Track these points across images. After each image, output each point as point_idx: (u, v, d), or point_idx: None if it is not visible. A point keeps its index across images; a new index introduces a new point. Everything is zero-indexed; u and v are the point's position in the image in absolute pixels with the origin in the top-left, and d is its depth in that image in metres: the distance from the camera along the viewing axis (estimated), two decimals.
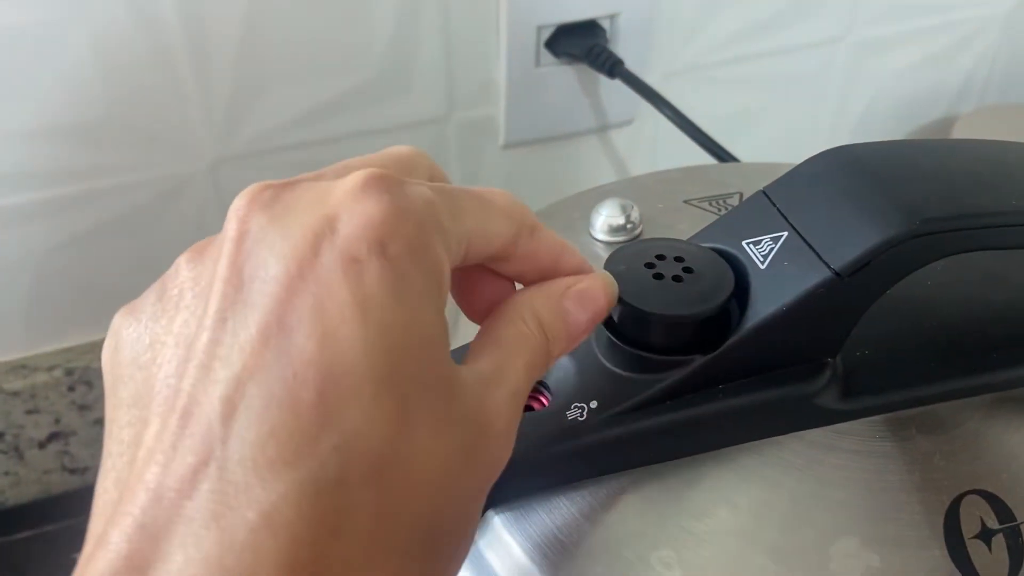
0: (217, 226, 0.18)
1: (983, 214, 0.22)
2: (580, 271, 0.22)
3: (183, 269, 0.18)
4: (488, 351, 0.20)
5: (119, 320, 0.19)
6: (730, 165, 0.43)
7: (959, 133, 0.63)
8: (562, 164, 0.57)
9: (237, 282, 0.17)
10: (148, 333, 0.18)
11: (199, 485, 0.15)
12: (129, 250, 0.47)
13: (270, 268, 0.17)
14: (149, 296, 0.19)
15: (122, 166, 0.45)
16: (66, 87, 0.42)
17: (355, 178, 0.18)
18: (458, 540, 0.18)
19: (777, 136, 0.63)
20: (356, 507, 0.16)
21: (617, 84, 0.51)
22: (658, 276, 0.23)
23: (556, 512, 0.23)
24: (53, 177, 0.44)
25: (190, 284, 0.18)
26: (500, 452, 0.19)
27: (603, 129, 0.57)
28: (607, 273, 0.22)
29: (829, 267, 0.22)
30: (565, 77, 0.52)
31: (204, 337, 0.17)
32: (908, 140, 0.25)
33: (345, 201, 0.17)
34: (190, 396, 0.16)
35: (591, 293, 0.21)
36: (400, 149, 0.21)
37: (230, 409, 0.16)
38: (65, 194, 0.44)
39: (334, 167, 0.20)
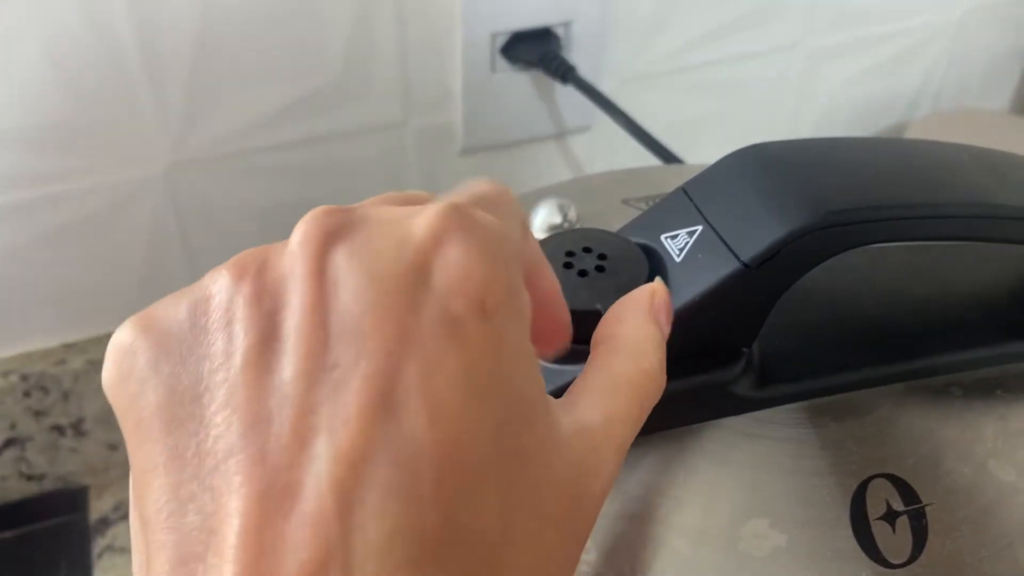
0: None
1: (886, 207, 0.23)
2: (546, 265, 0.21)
3: (230, 288, 0.15)
4: (599, 396, 0.18)
5: (132, 339, 0.16)
6: (672, 167, 0.44)
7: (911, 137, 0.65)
8: (521, 169, 0.58)
9: (323, 335, 0.14)
10: (187, 366, 0.15)
11: None
12: (85, 255, 0.48)
13: (364, 325, 0.15)
14: (174, 311, 0.16)
15: (76, 171, 0.45)
16: (19, 92, 0.42)
17: (435, 215, 0.16)
18: None
19: (733, 142, 0.63)
20: None
21: (574, 91, 0.52)
22: (579, 272, 0.24)
23: None
24: (7, 182, 0.44)
25: (246, 312, 0.15)
26: (600, 501, 0.17)
27: (561, 135, 0.57)
28: (661, 282, 0.22)
29: (739, 259, 0.23)
30: (521, 83, 0.53)
31: (289, 396, 0.14)
32: (821, 138, 0.26)
33: (432, 246, 0.16)
34: (285, 471, 0.14)
35: (669, 302, 0.21)
36: (483, 186, 0.19)
37: (344, 496, 0.13)
38: (19, 199, 0.45)
39: (399, 195, 0.19)
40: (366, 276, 0.15)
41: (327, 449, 0.14)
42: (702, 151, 0.61)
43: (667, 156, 0.48)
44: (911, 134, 0.65)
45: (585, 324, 0.24)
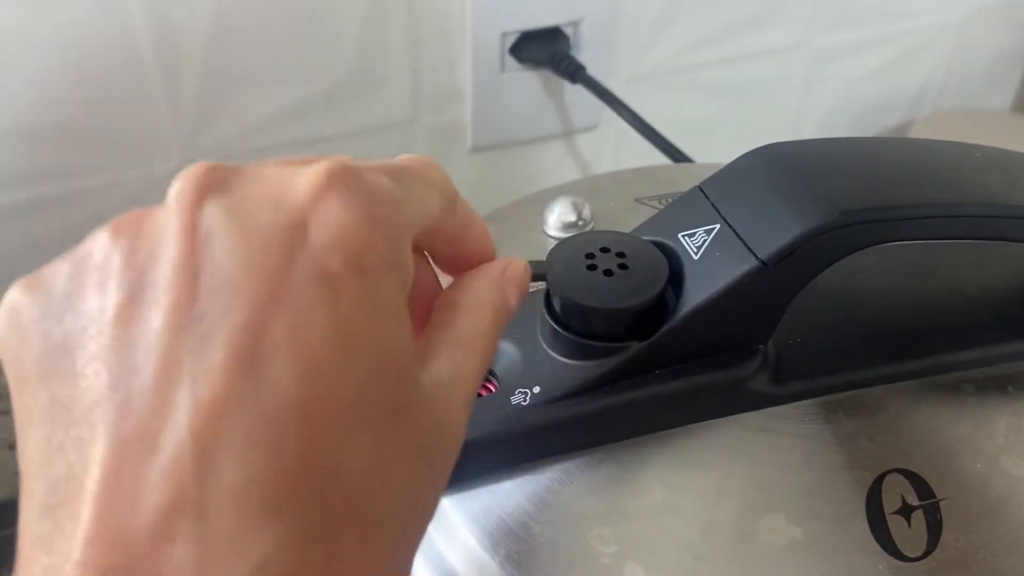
0: None
1: (900, 206, 0.23)
2: (486, 240, 0.22)
3: (107, 246, 0.16)
4: (447, 349, 0.19)
5: (18, 297, 0.16)
6: (682, 166, 0.44)
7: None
8: (529, 168, 0.58)
9: (191, 288, 0.15)
10: (63, 322, 0.15)
11: (177, 530, 0.14)
12: None
13: (235, 279, 0.15)
14: (58, 270, 0.16)
15: (90, 168, 0.45)
16: (32, 89, 0.42)
17: (317, 173, 0.16)
18: (420, 539, 0.18)
19: (738, 141, 0.64)
20: (342, 554, 0.15)
21: (581, 90, 0.52)
22: (600, 271, 0.24)
23: (501, 493, 0.24)
24: (21, 179, 0.44)
25: (120, 268, 0.15)
26: (455, 451, 0.19)
27: (568, 133, 0.58)
28: (522, 260, 0.22)
29: (756, 257, 0.23)
30: (530, 82, 0.53)
31: (154, 347, 0.14)
32: (836, 138, 0.26)
33: (311, 202, 0.16)
34: (146, 420, 0.14)
35: (522, 277, 0.22)
36: (404, 157, 0.20)
37: (202, 444, 0.14)
38: (33, 196, 0.45)
39: (296, 157, 0.19)
40: (239, 230, 0.15)
41: (188, 399, 0.14)
42: (706, 150, 0.62)
43: (676, 154, 0.49)
44: (914, 133, 0.65)
45: (617, 320, 0.24)
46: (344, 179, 0.16)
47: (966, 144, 0.28)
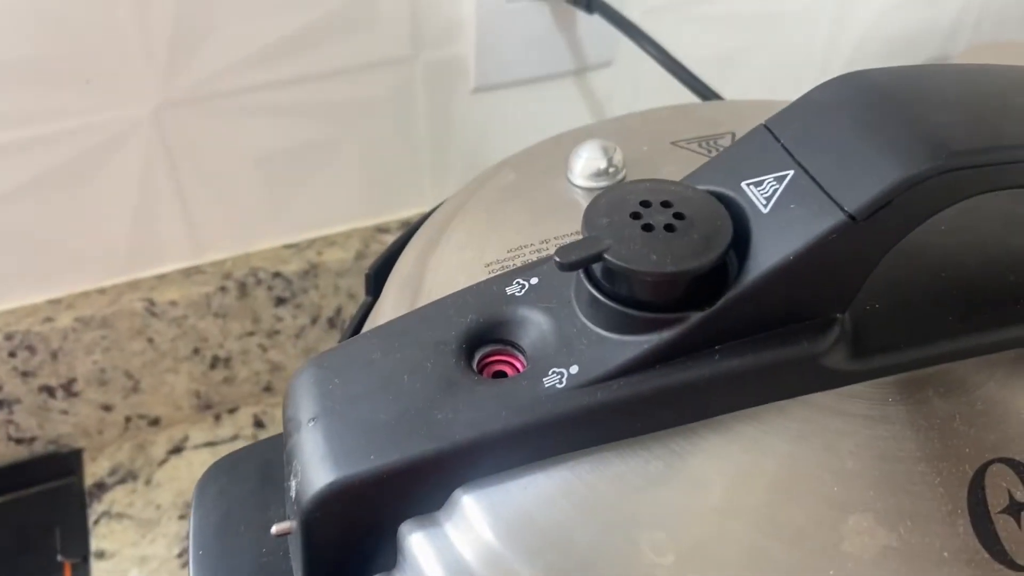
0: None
1: (1018, 147, 0.19)
2: None
3: None
4: None
5: None
6: (720, 103, 0.40)
7: None
8: (538, 108, 0.53)
9: None
10: None
11: None
12: (70, 202, 0.44)
13: None
14: None
15: (58, 111, 0.41)
16: None
17: None
18: None
19: (763, 77, 0.60)
20: None
21: (595, 22, 0.48)
22: (647, 227, 0.21)
23: (532, 490, 0.21)
24: None
25: None
26: None
27: (581, 71, 0.53)
28: None
29: (843, 209, 0.19)
30: (539, 13, 0.49)
31: None
32: (929, 65, 0.22)
33: None
34: None
35: None
36: None
37: None
38: None
39: None
40: None
41: None
42: (730, 87, 0.57)
43: (702, 91, 0.44)
44: None
45: (671, 287, 0.20)
46: None
47: None
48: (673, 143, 0.31)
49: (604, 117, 0.56)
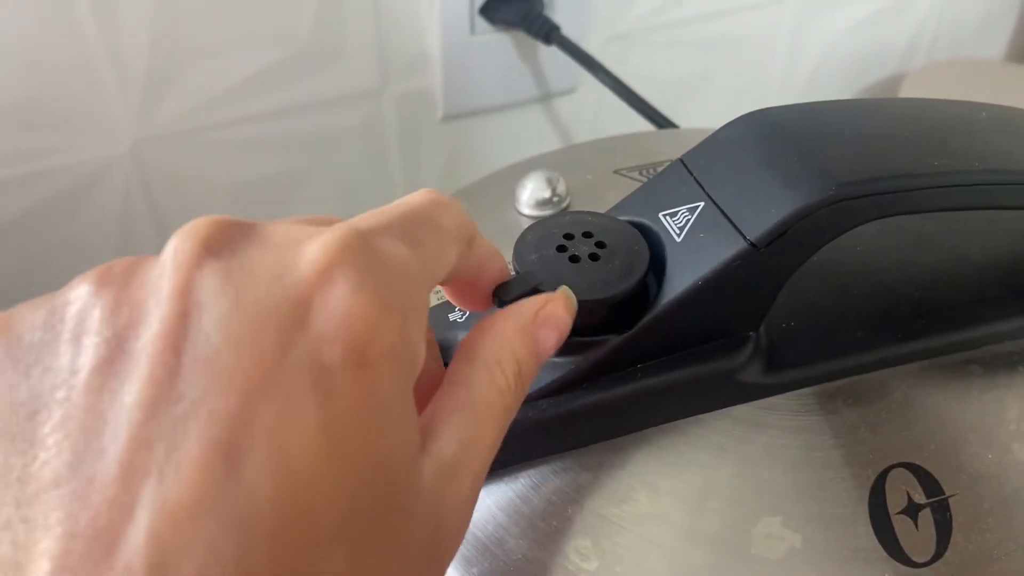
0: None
1: (902, 176, 0.21)
2: (504, 275, 0.20)
3: (89, 296, 0.14)
4: (455, 419, 0.17)
5: None
6: (666, 132, 0.42)
7: (907, 91, 0.62)
8: (505, 135, 0.55)
9: (173, 361, 0.13)
10: (30, 376, 0.14)
11: None
12: (52, 238, 0.45)
13: (222, 358, 0.13)
14: (32, 314, 0.15)
15: (39, 152, 0.43)
16: None
17: (327, 245, 0.15)
18: None
19: (724, 100, 0.62)
20: None
21: (558, 51, 0.50)
22: (573, 259, 0.22)
23: None
24: None
25: (99, 324, 0.14)
26: (459, 535, 0.17)
27: (546, 98, 0.55)
28: (567, 289, 0.20)
29: (745, 238, 0.21)
30: (502, 45, 0.51)
31: (124, 426, 0.13)
32: (827, 101, 0.24)
33: (317, 280, 0.14)
34: (103, 516, 0.12)
35: (560, 317, 0.19)
36: (416, 200, 0.18)
37: (159, 556, 0.12)
38: None
39: (304, 218, 0.17)
40: (235, 302, 0.14)
41: (153, 497, 0.12)
42: (692, 111, 0.59)
43: (657, 119, 0.46)
44: (907, 86, 0.63)
45: (593, 313, 0.22)
46: (355, 254, 0.15)
47: (970, 103, 0.25)
48: (616, 171, 0.32)
49: (570, 141, 0.58)
